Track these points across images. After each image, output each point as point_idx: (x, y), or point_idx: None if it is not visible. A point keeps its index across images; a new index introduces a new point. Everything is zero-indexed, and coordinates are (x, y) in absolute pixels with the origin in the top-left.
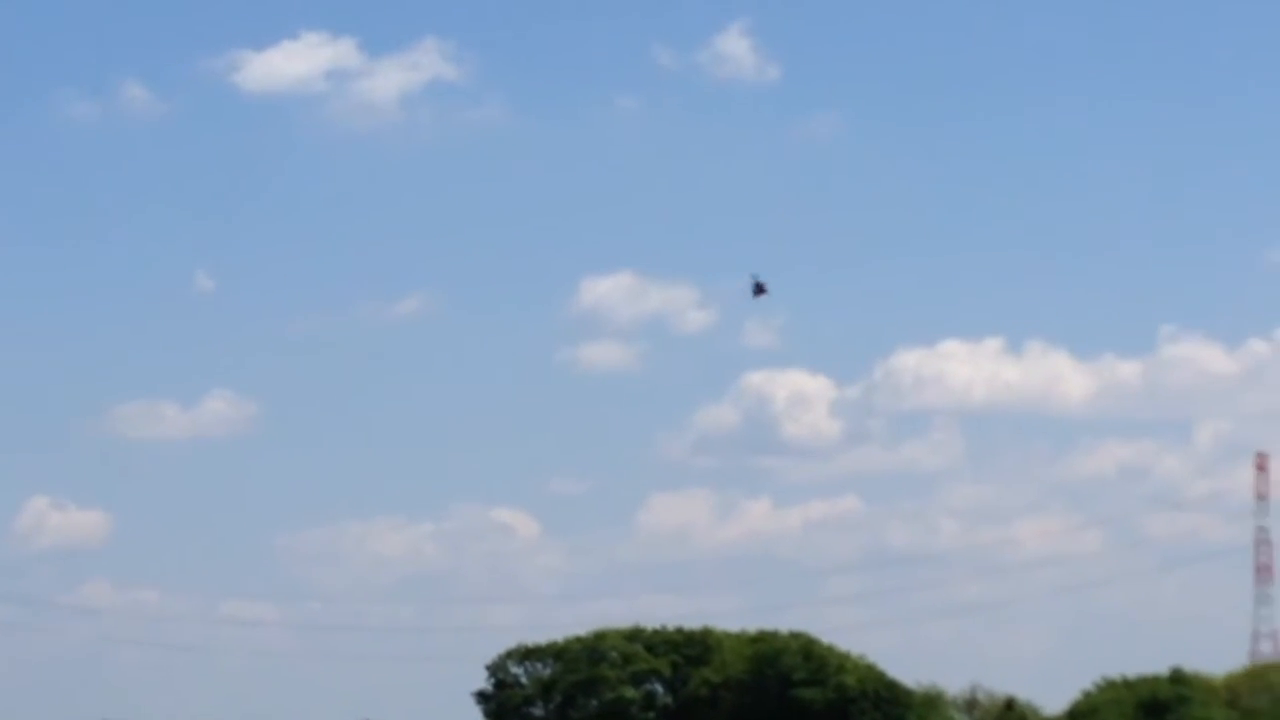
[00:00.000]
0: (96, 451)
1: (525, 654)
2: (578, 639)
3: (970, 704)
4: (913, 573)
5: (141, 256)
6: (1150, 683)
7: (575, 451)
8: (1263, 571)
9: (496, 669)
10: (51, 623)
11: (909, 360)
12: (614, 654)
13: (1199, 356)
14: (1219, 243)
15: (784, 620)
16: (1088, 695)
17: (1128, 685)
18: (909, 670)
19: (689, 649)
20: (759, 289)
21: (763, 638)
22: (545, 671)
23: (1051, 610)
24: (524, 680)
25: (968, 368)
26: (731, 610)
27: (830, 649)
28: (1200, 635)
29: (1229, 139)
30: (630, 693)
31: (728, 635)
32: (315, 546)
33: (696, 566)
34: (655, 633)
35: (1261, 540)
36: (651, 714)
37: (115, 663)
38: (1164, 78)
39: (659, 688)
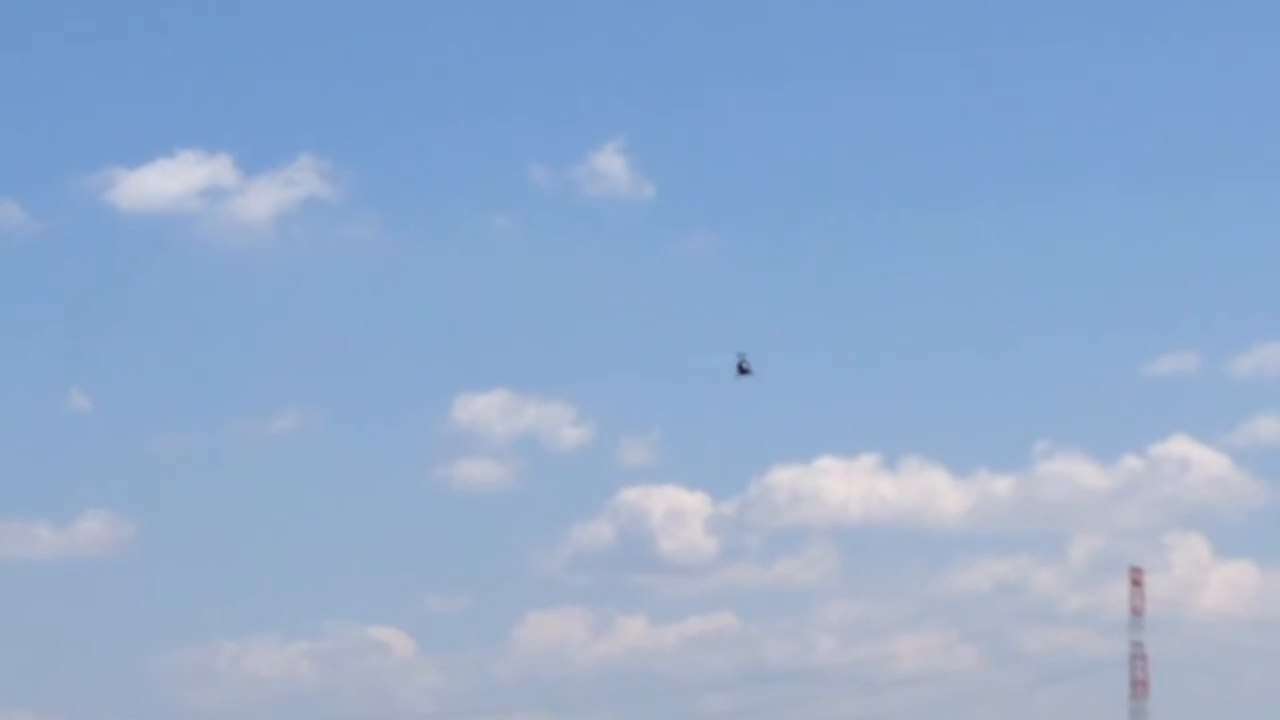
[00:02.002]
0: None
1: None
2: None
3: None
4: (790, 689)
5: (14, 375)
6: None
7: (451, 569)
8: (1138, 686)
9: None
10: None
11: (785, 476)
12: None
13: (1073, 472)
14: (1094, 358)
15: None
16: None
17: None
18: None
19: None
20: (742, 369)
21: None
22: None
23: None
24: None
25: (843, 484)
26: None
27: None
28: None
29: (1105, 253)
30: None
31: None
32: (189, 666)
33: (573, 683)
34: None
35: (1137, 655)
36: None
37: None
38: (1039, 188)
39: None
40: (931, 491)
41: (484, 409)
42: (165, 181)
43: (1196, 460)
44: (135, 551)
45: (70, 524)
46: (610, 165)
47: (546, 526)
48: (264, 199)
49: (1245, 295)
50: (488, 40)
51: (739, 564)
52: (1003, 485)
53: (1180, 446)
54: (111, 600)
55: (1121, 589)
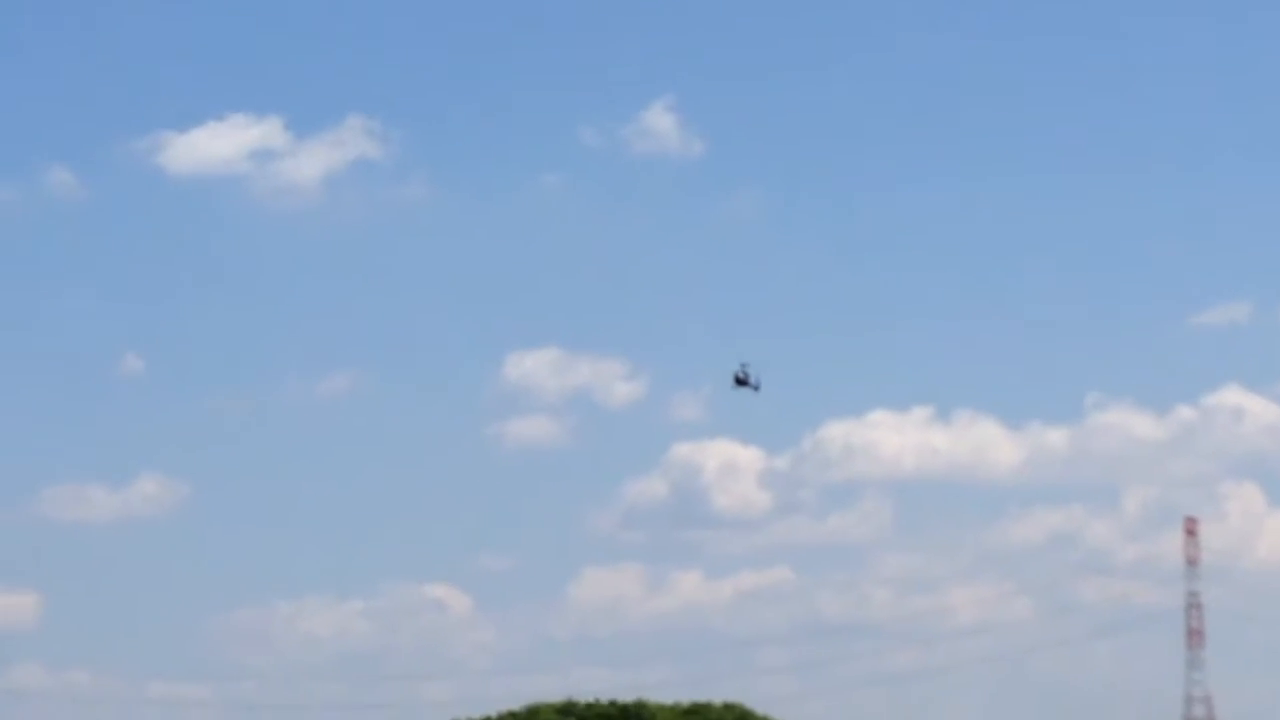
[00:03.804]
0: (26, 533)
1: None
2: (511, 714)
3: None
4: (845, 642)
5: (69, 339)
6: None
7: (505, 526)
8: (1194, 636)
9: None
10: None
11: (838, 430)
12: None
13: (1126, 423)
14: (1146, 309)
15: (717, 691)
16: None
17: None
18: None
19: None
20: (740, 381)
21: (696, 709)
22: None
23: (984, 678)
24: None
25: (897, 437)
26: (664, 682)
27: (764, 719)
28: (1133, 701)
29: (1156, 205)
30: None
31: (661, 708)
32: (246, 626)
33: (628, 639)
34: (588, 706)
35: (1192, 605)
36: None
37: None
38: (1090, 146)
39: None
40: (984, 444)
41: (536, 366)
42: (215, 144)
43: (1249, 410)
44: (190, 513)
45: (126, 486)
46: (659, 123)
47: (600, 483)
48: (313, 161)
49: None
50: (537, 0)
51: (793, 518)
52: (1056, 437)
53: (1233, 396)
54: (167, 562)
55: (1176, 539)
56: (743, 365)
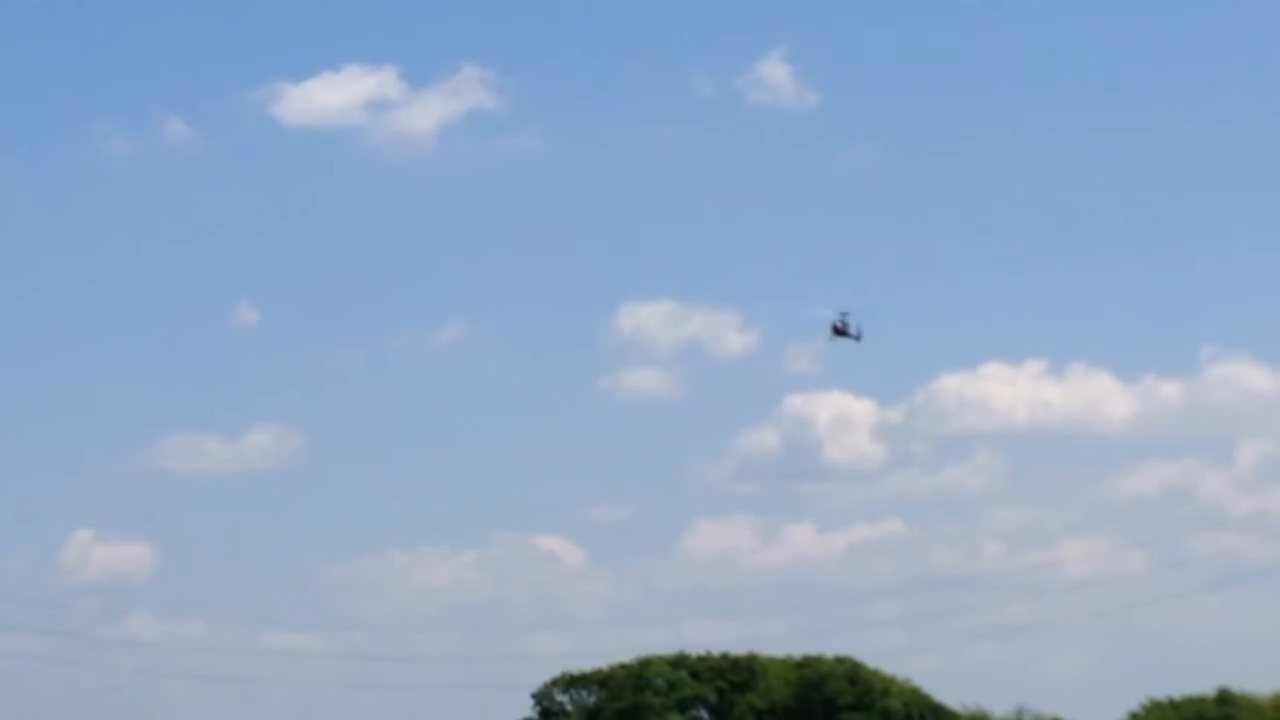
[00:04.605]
0: (141, 484)
1: (570, 682)
2: (623, 666)
3: None
4: (956, 595)
5: (183, 289)
6: (1197, 703)
7: (617, 478)
8: None
9: (542, 697)
10: (95, 656)
11: (951, 383)
12: (659, 681)
13: (1241, 376)
14: (1261, 262)
15: (829, 645)
16: (1134, 716)
17: (1174, 706)
18: (954, 693)
19: (734, 675)
20: (838, 330)
21: (808, 663)
22: (590, 699)
23: (1096, 631)
24: (569, 708)
25: (1010, 390)
26: (776, 635)
27: (875, 673)
28: (1246, 655)
29: (1269, 154)
30: (676, 719)
31: (773, 660)
32: (359, 577)
33: (740, 592)
34: (700, 659)
35: None
36: None
37: (160, 696)
38: (1204, 96)
39: (704, 714)
40: (1098, 396)
41: (649, 318)
42: (330, 95)
43: None
44: (305, 464)
45: (240, 437)
46: (774, 74)
47: (712, 435)
48: (429, 111)
49: None
50: None
51: (906, 471)
52: (1170, 389)
53: None
54: (282, 513)
55: None
56: (841, 314)
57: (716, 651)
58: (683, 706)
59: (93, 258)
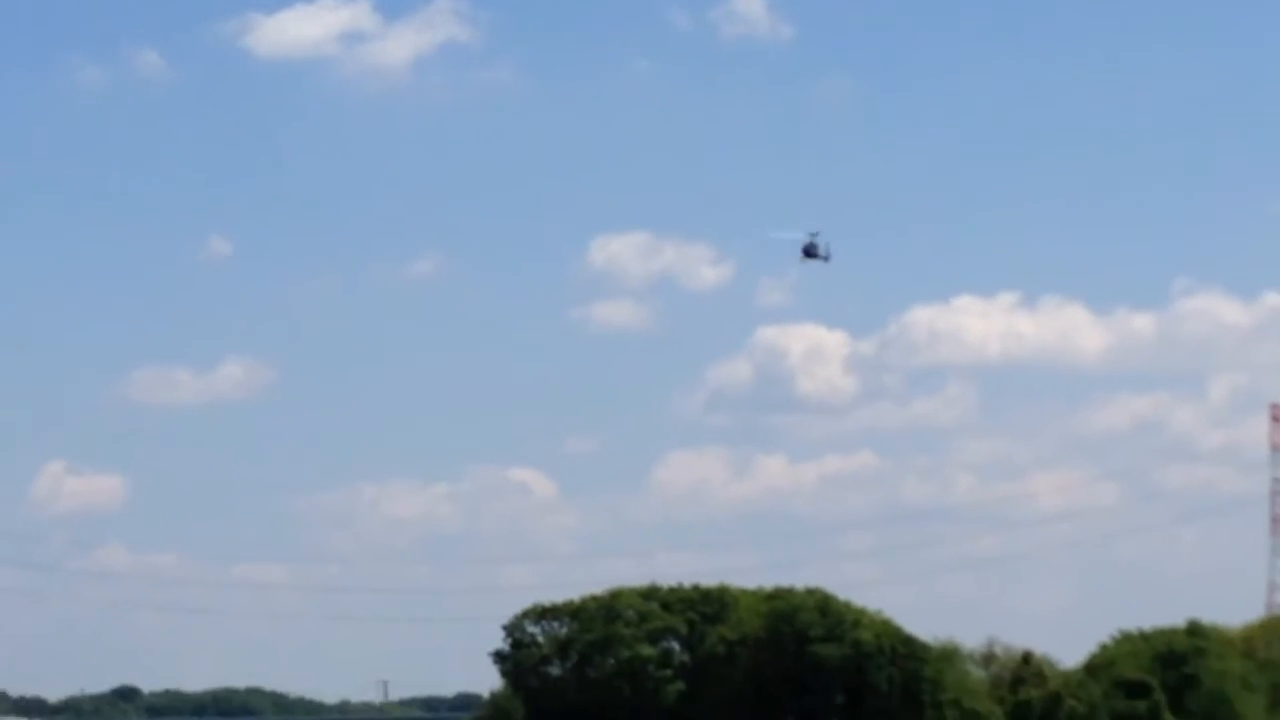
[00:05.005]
0: (112, 417)
1: (541, 614)
2: (594, 598)
3: (987, 658)
4: (928, 528)
5: (156, 222)
6: (1167, 635)
7: (589, 410)
8: (1278, 523)
9: (513, 629)
10: (67, 588)
11: (923, 316)
12: (630, 613)
13: (1213, 309)
14: (1234, 195)
15: (800, 577)
16: (1105, 648)
17: (1144, 638)
18: (925, 625)
19: (705, 607)
20: (808, 252)
21: (779, 595)
22: (562, 631)
23: (1068, 563)
24: (541, 640)
25: (982, 322)
26: (747, 567)
27: (847, 605)
28: (1216, 587)
29: (1244, 91)
30: (647, 651)
31: (744, 593)
32: (330, 510)
33: (712, 524)
34: (671, 591)
35: (1277, 492)
36: (668, 671)
37: (131, 627)
38: (1179, 30)
39: (675, 645)
40: (1071, 329)
41: (622, 250)
42: (303, 26)
43: None
44: (276, 396)
45: (212, 370)
46: (749, 7)
47: (685, 367)
48: (402, 43)
49: None
50: None
51: (878, 403)
52: (1142, 322)
53: None
54: (253, 445)
55: (1261, 425)
56: (811, 235)
57: (688, 583)
58: (654, 638)
59: (64, 190)
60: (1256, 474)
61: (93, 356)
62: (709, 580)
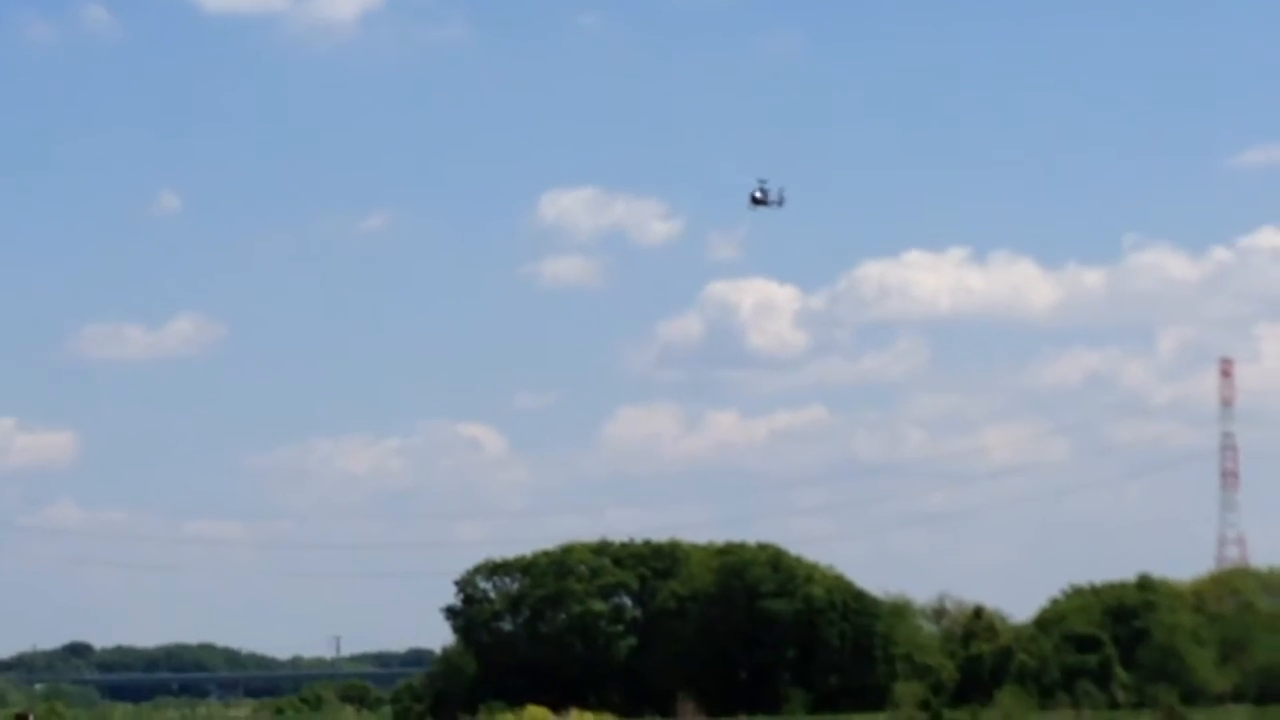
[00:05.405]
0: (62, 372)
1: (493, 569)
2: (545, 553)
3: (938, 613)
4: (879, 483)
5: (105, 177)
6: (1118, 589)
7: (540, 366)
8: (1228, 477)
9: (465, 584)
10: (18, 544)
11: (873, 270)
12: (581, 568)
13: (1163, 264)
14: (1182, 151)
15: (751, 532)
16: (1055, 602)
17: (1095, 592)
18: (877, 580)
19: (656, 562)
20: (757, 200)
21: (730, 550)
22: (513, 586)
23: (1018, 518)
24: (492, 595)
25: (932, 277)
26: (698, 522)
27: (798, 560)
28: (1167, 541)
29: (1191, 47)
30: (598, 606)
31: (695, 548)
32: (282, 465)
33: (662, 479)
34: (622, 546)
35: (1227, 446)
36: (620, 627)
37: (83, 583)
38: None
39: (627, 601)
40: (1021, 284)
41: (572, 205)
42: None
43: None
44: (227, 351)
45: (162, 325)
46: None
47: (635, 322)
48: None
49: None
50: None
51: (828, 358)
52: (1092, 277)
53: (1269, 237)
54: (203, 401)
55: (1211, 380)
56: (760, 182)
57: (639, 539)
58: (605, 594)
59: (12, 145)
60: (1206, 428)
61: (42, 312)
62: (660, 536)
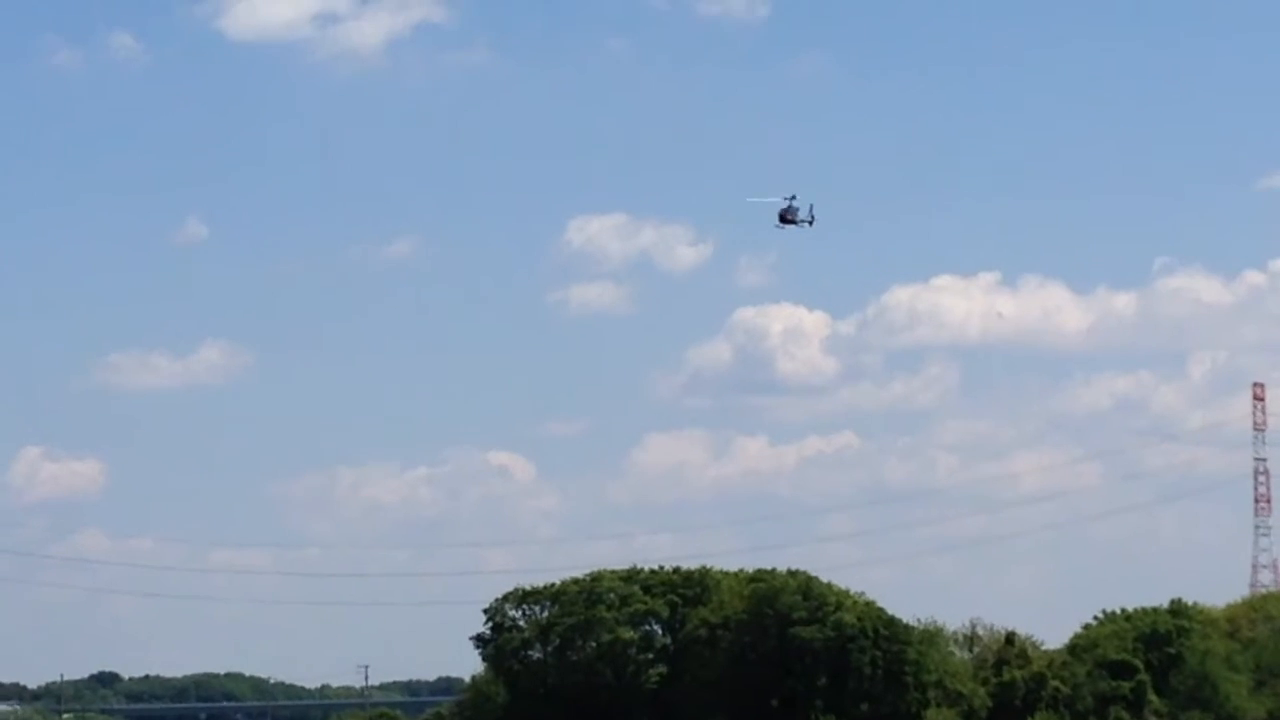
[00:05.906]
0: (89, 401)
1: (523, 597)
2: (575, 581)
3: (970, 639)
4: (910, 509)
5: (131, 205)
6: (1150, 615)
7: (569, 393)
8: (1261, 502)
9: (494, 613)
10: (45, 574)
11: (903, 295)
12: (611, 596)
13: (1194, 288)
14: (1213, 174)
15: (782, 559)
16: (1088, 628)
17: (1127, 618)
18: (908, 607)
19: (686, 589)
20: (785, 218)
21: (760, 577)
22: (543, 614)
23: (1050, 544)
24: (522, 623)
25: (962, 302)
26: (729, 549)
27: (829, 587)
28: (1199, 567)
29: (1222, 71)
30: (628, 634)
31: (725, 575)
32: (309, 493)
33: (692, 506)
34: (652, 573)
35: (1259, 471)
36: (649, 655)
37: (110, 612)
38: (1163, 10)
39: (657, 629)
40: (1051, 308)
41: (600, 231)
42: (276, 8)
43: None
44: (254, 380)
45: (190, 353)
46: None
47: (664, 348)
48: (376, 24)
49: None
50: None
51: (858, 383)
52: (1123, 301)
53: None
54: (231, 429)
55: (1244, 405)
56: (788, 200)
57: (668, 566)
58: (635, 621)
59: (40, 173)
60: (1239, 453)
61: (69, 341)
62: (690, 563)
